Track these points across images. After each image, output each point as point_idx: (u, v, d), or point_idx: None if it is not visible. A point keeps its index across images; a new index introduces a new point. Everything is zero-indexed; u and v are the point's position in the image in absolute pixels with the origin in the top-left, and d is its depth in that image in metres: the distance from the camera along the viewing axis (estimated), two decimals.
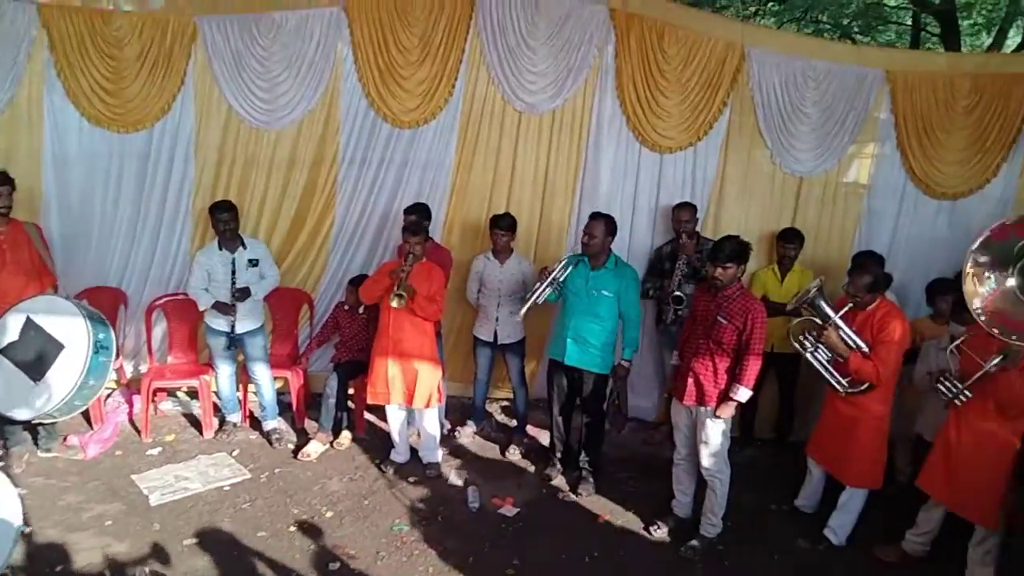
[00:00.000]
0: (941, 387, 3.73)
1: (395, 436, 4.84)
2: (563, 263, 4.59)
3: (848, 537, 4.24)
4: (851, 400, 4.06)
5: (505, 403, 5.83)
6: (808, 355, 4.12)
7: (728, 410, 3.95)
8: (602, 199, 5.44)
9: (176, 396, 5.54)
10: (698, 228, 5.29)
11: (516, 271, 5.03)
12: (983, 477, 3.65)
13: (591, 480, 4.74)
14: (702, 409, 4.01)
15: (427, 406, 4.66)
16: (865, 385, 3.97)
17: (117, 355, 4.76)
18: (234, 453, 4.86)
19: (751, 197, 5.60)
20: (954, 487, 3.79)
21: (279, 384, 5.31)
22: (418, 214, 4.84)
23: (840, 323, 3.97)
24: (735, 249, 3.87)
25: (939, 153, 5.43)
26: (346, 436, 5.10)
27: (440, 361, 4.80)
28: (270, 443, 5.00)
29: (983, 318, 3.47)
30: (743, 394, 3.90)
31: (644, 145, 5.51)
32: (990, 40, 12.15)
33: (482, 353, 5.24)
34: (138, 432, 5.00)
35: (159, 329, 5.33)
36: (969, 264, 3.51)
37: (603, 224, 4.47)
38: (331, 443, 5.03)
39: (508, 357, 5.24)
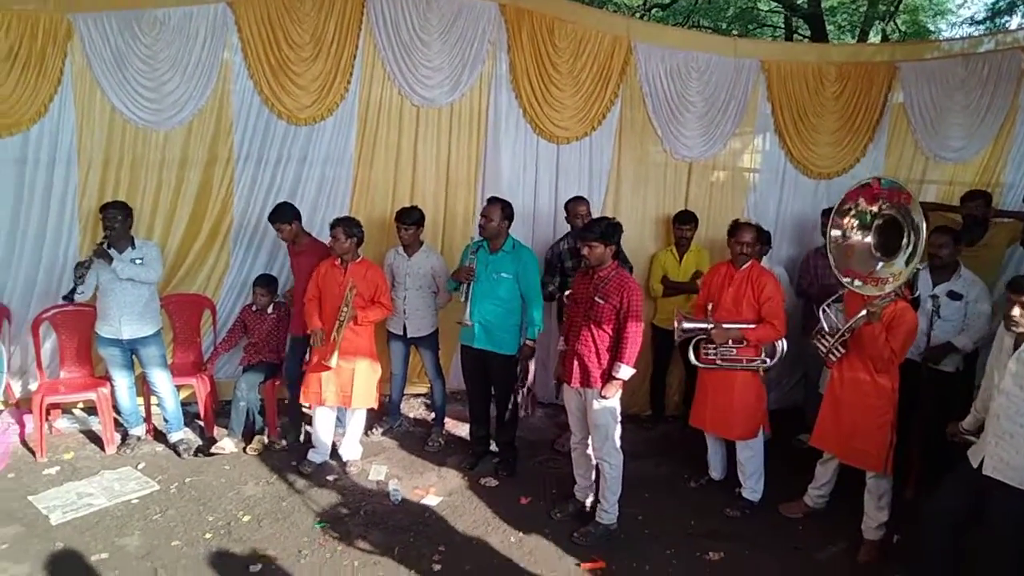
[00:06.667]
0: (819, 344, 4.03)
1: (321, 436, 4.78)
2: (467, 249, 4.73)
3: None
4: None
5: (425, 399, 5.84)
6: (720, 362, 4.35)
7: (612, 389, 3.95)
8: (504, 189, 5.52)
9: (72, 413, 5.24)
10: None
11: (424, 264, 5.04)
12: (867, 425, 3.93)
13: (510, 462, 4.83)
14: (589, 391, 4.03)
15: (364, 406, 4.74)
16: (778, 354, 4.29)
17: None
18: (140, 466, 4.65)
19: (646, 183, 5.87)
20: (842, 439, 4.05)
21: (185, 394, 5.11)
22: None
23: (715, 325, 4.29)
24: (603, 229, 3.92)
25: (813, 136, 5.90)
26: (259, 440, 4.97)
27: (378, 360, 4.80)
28: (178, 454, 4.81)
29: (838, 269, 3.85)
30: (625, 372, 3.92)
31: (541, 136, 5.68)
32: (854, 42, 13.27)
33: (395, 347, 5.23)
34: (32, 453, 4.70)
35: (48, 343, 5.02)
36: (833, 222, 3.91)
37: (499, 208, 4.57)
38: (244, 448, 4.90)
39: (421, 351, 5.26)
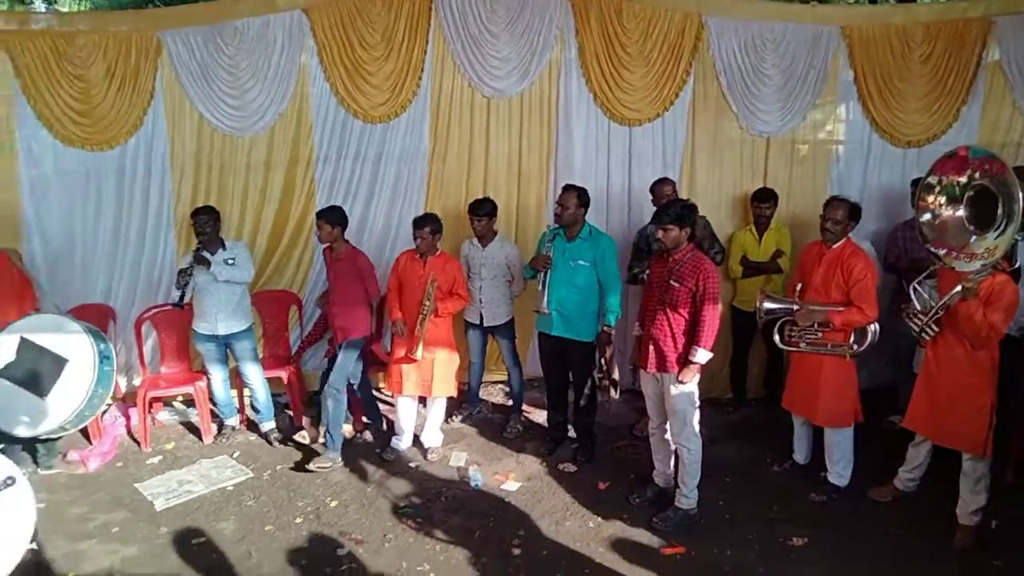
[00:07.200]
0: (911, 323, 3.82)
1: (403, 424, 4.92)
2: (544, 237, 4.72)
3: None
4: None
5: (503, 386, 5.89)
6: (805, 346, 4.21)
7: (690, 374, 3.88)
8: (577, 176, 5.49)
9: (172, 405, 5.59)
10: None
11: (498, 254, 5.08)
12: (964, 406, 3.70)
13: (588, 448, 4.83)
14: (666, 376, 3.96)
15: (444, 394, 4.86)
16: (868, 340, 4.08)
17: None
18: (235, 455, 4.91)
19: (722, 162, 5.71)
20: (936, 420, 3.84)
21: (274, 385, 5.35)
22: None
23: (801, 306, 4.15)
24: (677, 212, 3.86)
25: (900, 103, 5.59)
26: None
27: (456, 349, 4.91)
28: (269, 443, 5.05)
29: (929, 243, 3.65)
30: (702, 355, 3.83)
31: (613, 120, 5.62)
32: None
33: (472, 336, 5.30)
34: (137, 443, 5.03)
35: (150, 341, 5.37)
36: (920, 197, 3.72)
37: (575, 195, 4.54)
38: None
39: (498, 339, 5.31)
